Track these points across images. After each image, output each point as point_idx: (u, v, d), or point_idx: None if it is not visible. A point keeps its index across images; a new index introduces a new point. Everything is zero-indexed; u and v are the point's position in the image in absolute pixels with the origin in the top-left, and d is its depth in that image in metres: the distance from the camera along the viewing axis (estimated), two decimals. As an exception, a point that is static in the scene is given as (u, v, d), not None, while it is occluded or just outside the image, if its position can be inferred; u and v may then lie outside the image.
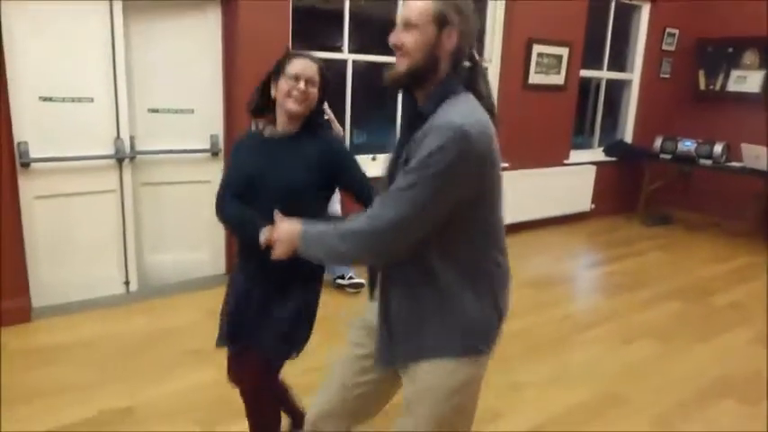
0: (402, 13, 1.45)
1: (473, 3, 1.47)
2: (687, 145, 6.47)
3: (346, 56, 4.62)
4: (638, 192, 6.87)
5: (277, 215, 1.65)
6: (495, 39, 5.46)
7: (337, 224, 1.49)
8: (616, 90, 6.94)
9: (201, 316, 3.67)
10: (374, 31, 4.78)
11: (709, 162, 6.28)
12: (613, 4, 6.35)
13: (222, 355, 2.13)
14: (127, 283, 3.96)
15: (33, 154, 3.47)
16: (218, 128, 4.15)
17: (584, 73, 6.24)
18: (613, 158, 6.70)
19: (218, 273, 4.33)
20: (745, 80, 6.62)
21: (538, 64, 5.59)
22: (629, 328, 3.86)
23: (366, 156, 4.84)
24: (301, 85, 1.87)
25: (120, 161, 3.78)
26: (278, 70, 1.91)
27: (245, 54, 3.97)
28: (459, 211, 1.41)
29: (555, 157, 6.14)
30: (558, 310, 4.11)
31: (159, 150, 3.96)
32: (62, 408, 2.66)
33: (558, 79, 5.83)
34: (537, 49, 5.53)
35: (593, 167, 6.40)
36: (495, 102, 1.53)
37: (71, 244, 3.72)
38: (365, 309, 1.75)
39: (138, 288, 4.01)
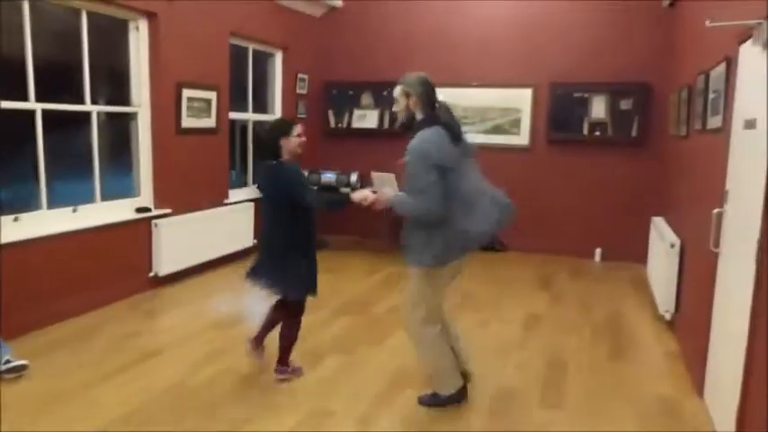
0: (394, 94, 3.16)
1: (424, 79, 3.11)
2: (328, 176, 7.31)
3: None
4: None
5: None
6: (143, 83, 5.30)
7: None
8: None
9: None
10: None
11: (348, 189, 7.17)
12: (251, 51, 6.80)
13: None
14: None
15: None
16: None
17: (233, 116, 6.52)
18: (268, 194, 7.11)
19: None
20: (365, 117, 7.81)
21: (189, 108, 5.62)
22: (316, 347, 4.17)
23: (7, 216, 4.19)
24: (303, 138, 3.54)
25: None
26: (285, 132, 3.47)
27: None
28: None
29: (215, 198, 6.24)
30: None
31: None
32: None
33: (210, 122, 5.96)
34: (187, 93, 5.56)
35: (252, 204, 6.68)
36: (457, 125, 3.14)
37: None
38: None
39: None
